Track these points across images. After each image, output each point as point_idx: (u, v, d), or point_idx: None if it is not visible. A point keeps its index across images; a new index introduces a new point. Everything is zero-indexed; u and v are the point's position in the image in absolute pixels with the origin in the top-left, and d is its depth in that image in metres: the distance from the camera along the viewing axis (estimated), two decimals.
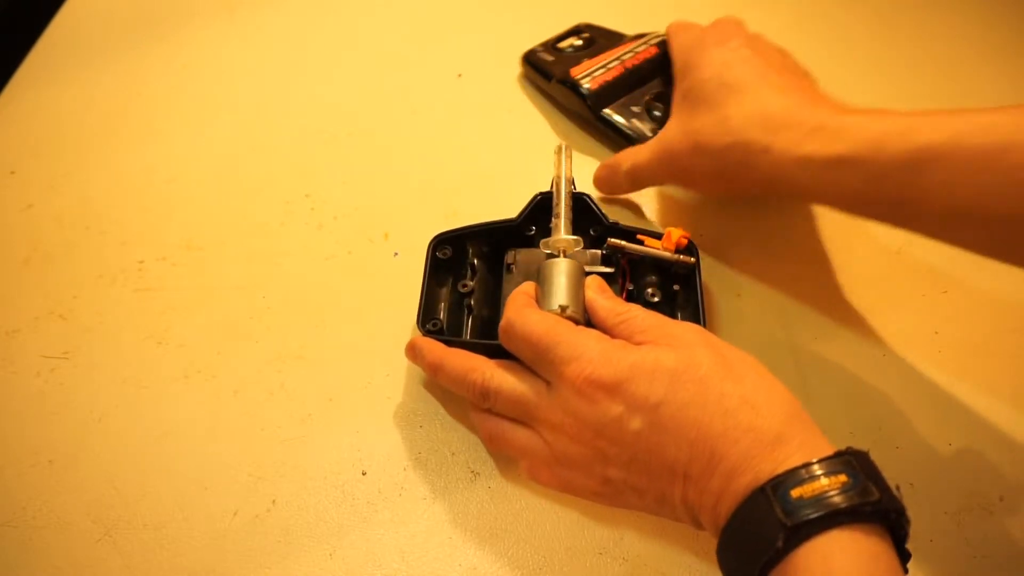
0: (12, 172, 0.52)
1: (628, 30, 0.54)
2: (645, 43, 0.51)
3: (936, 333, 0.42)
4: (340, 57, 0.60)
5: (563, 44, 0.55)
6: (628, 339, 0.33)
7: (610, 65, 0.50)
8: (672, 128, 0.42)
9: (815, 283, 0.44)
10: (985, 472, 0.37)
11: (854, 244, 0.46)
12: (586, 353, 0.31)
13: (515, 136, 0.54)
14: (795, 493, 0.26)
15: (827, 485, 0.26)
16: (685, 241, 0.40)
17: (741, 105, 0.38)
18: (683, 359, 0.30)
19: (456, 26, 0.62)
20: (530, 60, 0.55)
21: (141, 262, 0.47)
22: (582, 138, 0.53)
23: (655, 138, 0.43)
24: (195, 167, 0.52)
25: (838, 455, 0.27)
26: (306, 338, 0.43)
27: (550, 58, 0.54)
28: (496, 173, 0.51)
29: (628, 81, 0.50)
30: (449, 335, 0.39)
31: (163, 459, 0.38)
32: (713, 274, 0.44)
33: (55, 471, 0.38)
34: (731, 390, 0.29)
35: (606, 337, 0.33)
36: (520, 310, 0.34)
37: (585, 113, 0.51)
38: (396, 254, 0.47)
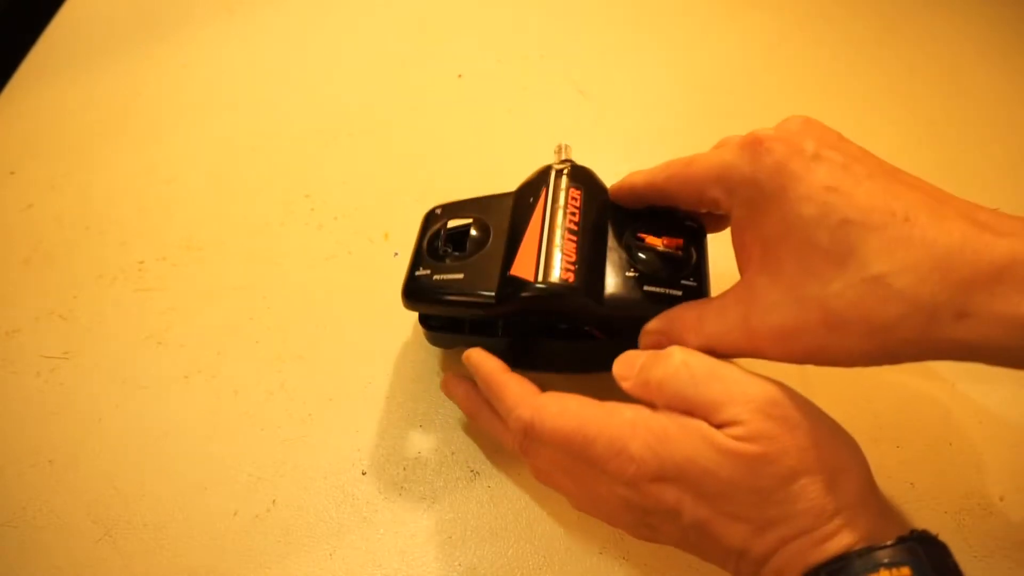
0: (12, 172, 0.52)
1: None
2: (561, 189, 0.35)
3: None
4: (340, 57, 0.60)
5: (438, 247, 0.36)
6: (663, 403, 0.29)
7: (554, 242, 0.32)
8: (771, 296, 0.28)
9: None
10: (985, 472, 0.37)
11: None
12: (629, 447, 0.28)
13: (515, 136, 0.54)
14: None
15: None
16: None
17: (892, 251, 0.25)
18: (745, 453, 0.26)
19: (456, 26, 0.62)
20: (426, 295, 0.35)
21: (141, 262, 0.47)
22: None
23: (736, 305, 0.29)
24: (195, 167, 0.52)
25: (901, 541, 0.25)
26: (306, 338, 0.43)
27: (452, 277, 0.35)
28: (496, 174, 0.51)
29: (596, 247, 0.34)
30: (449, 329, 0.39)
31: (163, 459, 0.38)
32: (715, 271, 0.44)
33: (55, 471, 0.38)
34: (803, 476, 0.26)
35: (646, 417, 0.28)
36: (527, 401, 0.31)
37: (580, 317, 0.35)
38: (396, 254, 0.47)
